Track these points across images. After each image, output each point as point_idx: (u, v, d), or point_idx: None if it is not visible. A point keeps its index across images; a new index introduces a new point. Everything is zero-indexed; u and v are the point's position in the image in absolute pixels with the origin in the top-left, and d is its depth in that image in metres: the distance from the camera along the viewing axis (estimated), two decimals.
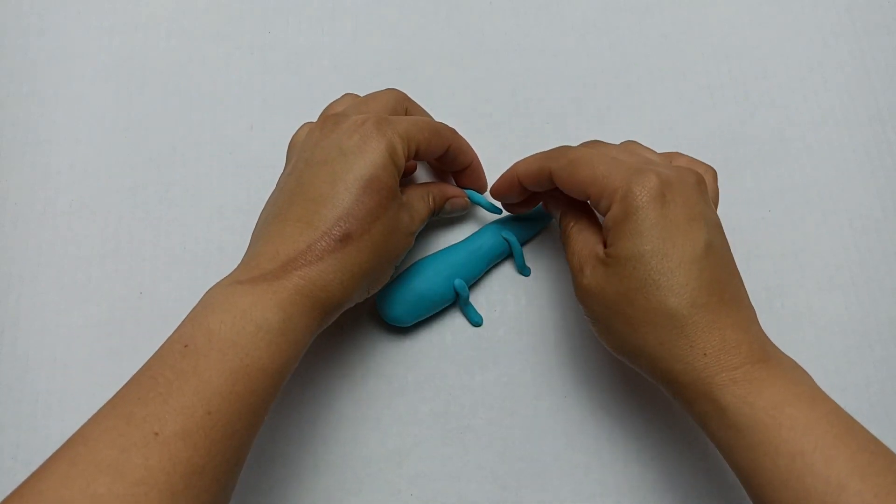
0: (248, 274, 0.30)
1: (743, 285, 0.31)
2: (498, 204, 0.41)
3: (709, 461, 0.38)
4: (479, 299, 0.41)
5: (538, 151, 0.36)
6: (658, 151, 0.35)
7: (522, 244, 0.42)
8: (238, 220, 0.43)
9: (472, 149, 0.40)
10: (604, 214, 0.32)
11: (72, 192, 0.43)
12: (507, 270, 0.42)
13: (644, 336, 0.30)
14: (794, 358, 0.41)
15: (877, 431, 0.38)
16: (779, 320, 0.41)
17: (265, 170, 0.44)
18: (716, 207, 0.34)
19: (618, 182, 0.31)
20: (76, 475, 0.25)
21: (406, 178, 0.42)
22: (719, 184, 0.38)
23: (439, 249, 0.40)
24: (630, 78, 0.46)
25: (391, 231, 0.33)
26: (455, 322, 0.41)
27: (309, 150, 0.34)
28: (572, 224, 0.35)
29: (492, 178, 0.43)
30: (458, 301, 0.40)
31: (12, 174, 0.44)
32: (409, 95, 0.39)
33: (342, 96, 0.38)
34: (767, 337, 0.30)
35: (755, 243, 0.42)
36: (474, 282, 0.40)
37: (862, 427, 0.28)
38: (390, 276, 0.36)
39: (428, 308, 0.39)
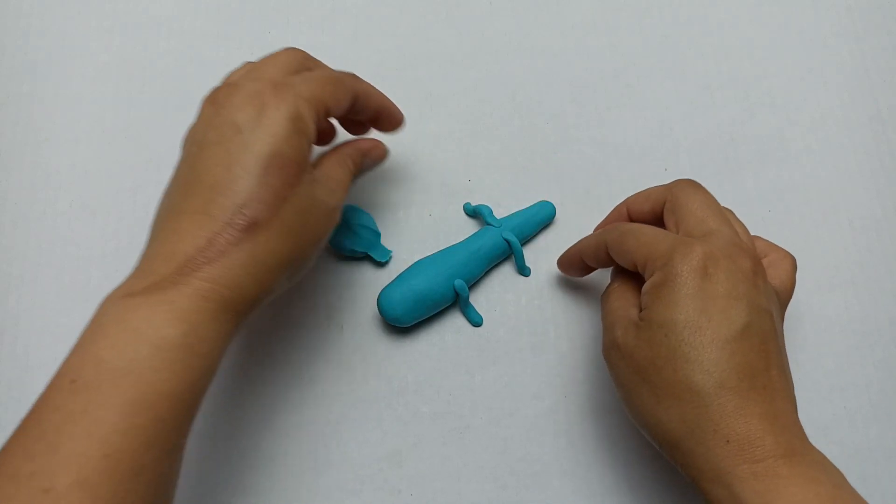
0: (143, 282, 0.27)
1: (784, 376, 0.29)
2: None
3: None
4: (479, 299, 0.41)
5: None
6: (749, 232, 0.34)
7: (523, 244, 0.42)
8: None
9: (376, 90, 0.36)
10: (647, 280, 0.31)
11: (72, 192, 0.43)
12: (507, 270, 0.42)
13: (667, 409, 0.29)
14: (793, 358, 0.41)
15: (877, 432, 0.39)
16: None
17: None
18: (789, 297, 0.33)
19: (662, 250, 0.30)
20: None
21: (326, 143, 0.39)
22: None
23: (439, 249, 0.40)
24: (630, 78, 0.46)
25: (306, 210, 0.30)
26: (455, 322, 0.41)
27: (201, 130, 0.30)
28: (616, 285, 0.34)
29: (487, 175, 0.44)
30: (458, 301, 0.40)
31: (12, 174, 0.44)
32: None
33: (241, 66, 0.34)
34: (799, 431, 0.29)
35: None
36: (474, 282, 0.40)
37: None
38: (315, 258, 0.32)
39: (428, 308, 0.39)
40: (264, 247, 0.28)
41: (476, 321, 0.40)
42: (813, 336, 0.41)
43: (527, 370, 0.40)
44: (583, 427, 0.39)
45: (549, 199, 0.42)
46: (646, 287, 0.31)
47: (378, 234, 0.41)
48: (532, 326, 0.41)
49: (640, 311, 0.31)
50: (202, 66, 0.46)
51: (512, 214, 0.42)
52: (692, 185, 0.34)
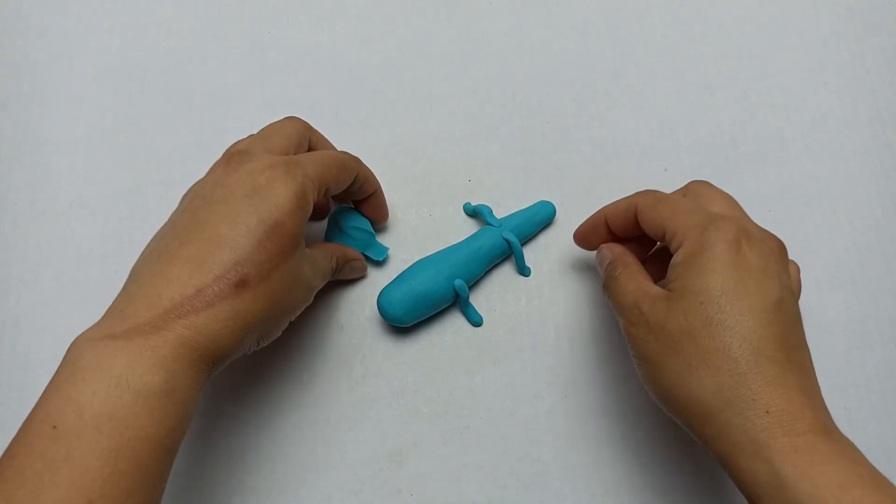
0: (123, 324, 0.27)
1: (810, 358, 0.30)
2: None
3: (709, 461, 0.38)
4: (479, 299, 0.41)
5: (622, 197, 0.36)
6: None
7: (523, 244, 0.42)
8: None
9: (375, 177, 0.39)
10: (674, 251, 0.31)
11: (72, 192, 0.43)
12: (507, 270, 0.42)
13: (700, 380, 0.28)
14: None
15: (877, 432, 0.39)
16: None
17: None
18: (797, 300, 0.33)
19: (696, 221, 0.31)
20: None
21: (319, 215, 0.41)
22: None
23: (439, 249, 0.40)
24: (630, 78, 0.46)
25: (292, 282, 0.31)
26: (455, 322, 0.41)
27: (209, 187, 0.31)
28: (619, 269, 0.34)
29: (487, 175, 0.44)
30: (458, 301, 0.40)
31: (12, 174, 0.44)
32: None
33: (245, 138, 0.36)
34: (828, 413, 0.29)
35: None
36: (474, 282, 0.40)
37: None
38: (282, 329, 0.33)
39: (428, 308, 0.39)
40: (248, 305, 0.29)
41: (476, 321, 0.40)
42: (813, 336, 0.40)
43: (527, 370, 0.40)
44: (583, 427, 0.39)
45: (549, 199, 0.42)
46: (676, 258, 0.31)
47: (372, 234, 0.41)
48: (532, 326, 0.41)
49: (668, 283, 0.31)
50: (202, 66, 0.46)
51: (512, 214, 0.42)
52: (709, 184, 0.35)
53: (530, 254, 0.42)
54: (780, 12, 0.48)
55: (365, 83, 0.46)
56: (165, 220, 0.42)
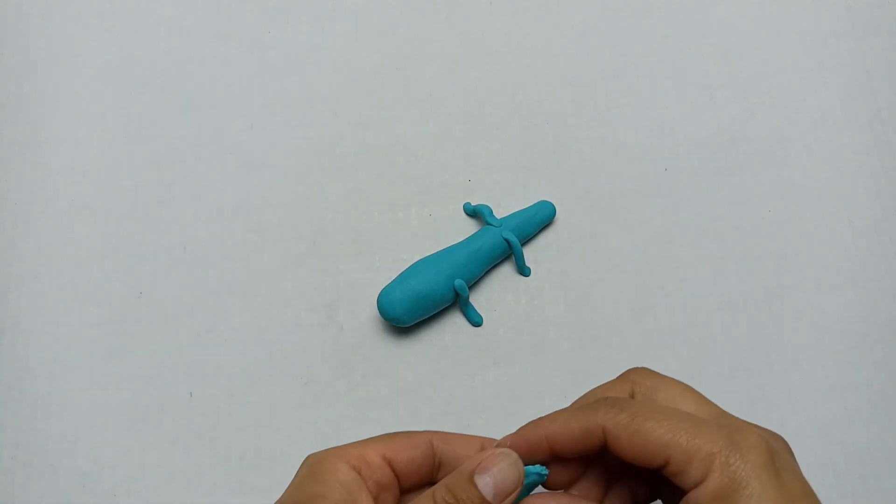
0: None
1: None
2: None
3: None
4: (479, 299, 0.41)
5: (562, 408, 0.27)
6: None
7: (523, 244, 0.42)
8: (238, 220, 0.43)
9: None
10: (688, 487, 0.23)
11: (72, 192, 0.43)
12: (507, 270, 0.42)
13: None
14: (793, 357, 0.42)
15: (877, 431, 0.39)
16: (779, 320, 0.41)
17: (265, 170, 0.44)
18: None
19: (709, 443, 0.23)
20: None
21: None
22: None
23: (439, 249, 0.40)
24: (630, 78, 0.46)
25: None
26: (455, 322, 0.41)
27: None
28: None
29: (487, 175, 0.43)
30: (458, 301, 0.40)
31: (12, 174, 0.44)
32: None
33: None
34: None
35: (755, 243, 0.42)
36: (474, 282, 0.40)
37: None
38: None
39: (428, 308, 0.39)
40: None
41: (476, 321, 0.40)
42: (813, 336, 0.41)
43: (527, 370, 0.40)
44: None
45: (549, 199, 0.42)
46: (701, 499, 0.23)
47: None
48: (532, 326, 0.41)
49: None
50: (202, 66, 0.46)
51: (512, 214, 0.42)
52: (654, 372, 0.27)
53: (530, 254, 0.42)
54: (780, 12, 0.48)
55: (365, 83, 0.46)
56: (165, 219, 0.43)
